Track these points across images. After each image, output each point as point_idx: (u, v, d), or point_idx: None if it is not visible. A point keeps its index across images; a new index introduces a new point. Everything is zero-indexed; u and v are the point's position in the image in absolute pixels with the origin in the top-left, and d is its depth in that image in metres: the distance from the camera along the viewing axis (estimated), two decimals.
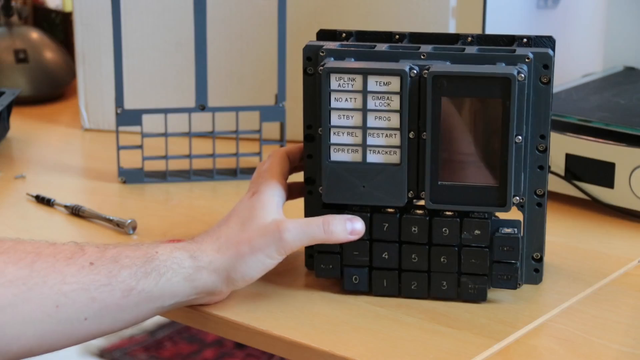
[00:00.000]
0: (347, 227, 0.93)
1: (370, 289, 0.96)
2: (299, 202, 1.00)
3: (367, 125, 0.93)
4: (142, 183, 1.27)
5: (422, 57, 0.93)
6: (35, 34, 1.66)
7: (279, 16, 1.25)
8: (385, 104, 0.92)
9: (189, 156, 1.28)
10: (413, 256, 0.94)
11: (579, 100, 1.25)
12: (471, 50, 0.93)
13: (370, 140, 0.93)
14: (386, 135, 0.93)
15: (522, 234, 0.95)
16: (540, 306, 0.94)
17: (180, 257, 0.90)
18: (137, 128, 1.27)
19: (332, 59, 0.94)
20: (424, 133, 0.92)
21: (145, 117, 1.27)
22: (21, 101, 1.56)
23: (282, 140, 1.30)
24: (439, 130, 0.91)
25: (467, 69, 0.91)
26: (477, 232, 0.93)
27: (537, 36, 0.95)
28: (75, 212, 1.16)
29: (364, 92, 0.92)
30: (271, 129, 1.33)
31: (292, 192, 0.99)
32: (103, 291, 0.86)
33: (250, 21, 1.40)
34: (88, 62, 1.46)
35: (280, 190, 0.95)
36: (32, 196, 1.21)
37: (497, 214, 0.94)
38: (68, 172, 1.32)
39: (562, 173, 1.17)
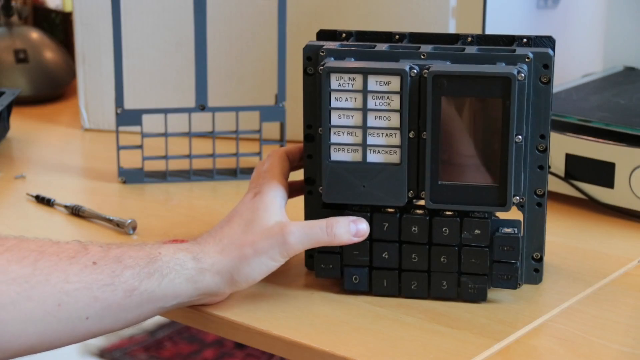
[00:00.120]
0: (351, 229, 0.93)
1: (370, 289, 0.96)
2: (299, 201, 1.00)
3: (367, 124, 0.93)
4: (142, 183, 1.27)
5: (422, 57, 0.93)
6: (35, 34, 1.66)
7: (279, 16, 1.25)
8: (385, 104, 0.92)
9: (189, 156, 1.28)
10: (413, 256, 0.94)
11: (579, 100, 1.25)
12: (471, 50, 0.93)
13: (370, 140, 0.93)
14: (386, 135, 0.93)
15: (522, 234, 0.95)
16: (540, 306, 0.94)
17: (183, 259, 0.90)
18: (137, 128, 1.27)
19: (332, 58, 0.94)
20: (424, 133, 0.92)
21: (145, 117, 1.27)
22: (21, 101, 1.56)
23: (282, 140, 1.30)
24: (439, 129, 0.91)
25: (467, 68, 0.91)
26: (477, 231, 0.93)
27: (537, 36, 0.95)
28: (75, 212, 1.16)
29: (364, 91, 0.92)
30: (271, 129, 1.33)
31: (291, 191, 0.98)
32: (105, 291, 0.86)
33: (250, 21, 1.40)
34: (88, 62, 1.46)
35: (282, 191, 0.95)
36: (32, 196, 1.21)
37: (497, 213, 0.94)
38: (68, 172, 1.32)
39: (562, 173, 1.17)
